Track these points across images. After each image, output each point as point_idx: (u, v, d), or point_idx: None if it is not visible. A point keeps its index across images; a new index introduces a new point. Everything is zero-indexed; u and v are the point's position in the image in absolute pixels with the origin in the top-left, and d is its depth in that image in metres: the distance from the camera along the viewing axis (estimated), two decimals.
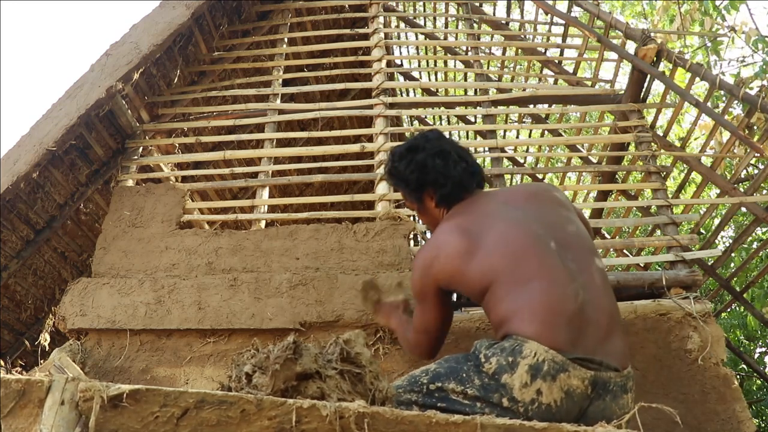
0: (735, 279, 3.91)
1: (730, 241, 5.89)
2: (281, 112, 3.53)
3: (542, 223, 1.57)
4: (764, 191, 3.41)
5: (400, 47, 5.26)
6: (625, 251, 4.00)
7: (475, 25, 4.07)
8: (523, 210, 1.62)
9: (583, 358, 1.34)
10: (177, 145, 3.52)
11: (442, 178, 1.76)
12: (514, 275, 1.46)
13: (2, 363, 3.43)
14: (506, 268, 1.47)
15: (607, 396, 1.36)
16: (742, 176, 3.80)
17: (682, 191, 4.36)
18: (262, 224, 3.10)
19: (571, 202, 1.82)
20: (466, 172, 1.77)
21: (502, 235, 1.54)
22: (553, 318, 1.36)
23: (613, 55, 3.43)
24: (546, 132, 4.46)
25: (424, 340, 1.78)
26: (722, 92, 3.06)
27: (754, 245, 5.25)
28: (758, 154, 2.94)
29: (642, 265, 3.71)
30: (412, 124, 6.19)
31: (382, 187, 3.05)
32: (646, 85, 3.24)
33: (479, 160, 2.15)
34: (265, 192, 3.23)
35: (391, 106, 3.40)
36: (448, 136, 1.92)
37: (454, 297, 2.48)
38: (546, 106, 3.73)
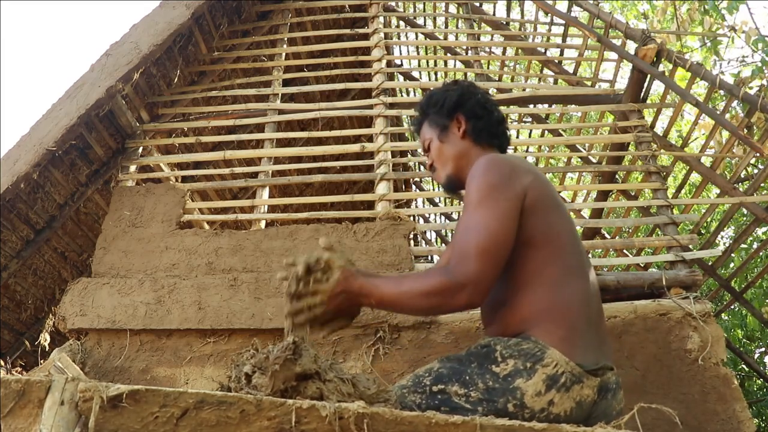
0: (735, 279, 3.91)
1: (730, 241, 5.89)
2: (281, 112, 3.53)
3: None
4: (764, 191, 3.40)
5: (400, 47, 5.26)
6: (625, 251, 3.99)
7: (475, 25, 4.07)
8: None
9: (595, 368, 1.33)
10: (177, 145, 3.52)
11: (481, 110, 1.65)
12: (569, 258, 1.40)
13: (2, 363, 3.44)
14: (568, 246, 1.41)
15: (608, 395, 1.36)
16: (742, 176, 3.81)
17: (682, 191, 4.36)
18: (262, 224, 3.10)
19: None
20: (502, 123, 1.67)
21: (567, 212, 1.49)
22: (578, 326, 1.34)
23: (613, 55, 3.43)
24: (546, 132, 4.46)
25: (480, 270, 1.26)
26: (722, 92, 3.05)
27: (755, 245, 5.25)
28: (758, 154, 2.94)
29: (642, 265, 3.71)
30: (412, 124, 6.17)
31: (382, 187, 3.05)
32: (646, 85, 3.24)
33: None
34: (265, 192, 3.23)
35: (391, 106, 3.40)
36: None
37: None
38: (546, 106, 3.73)
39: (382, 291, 1.34)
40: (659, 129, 3.73)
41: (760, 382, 5.85)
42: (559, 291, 1.36)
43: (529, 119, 4.92)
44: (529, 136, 5.81)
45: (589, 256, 3.49)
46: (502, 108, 3.36)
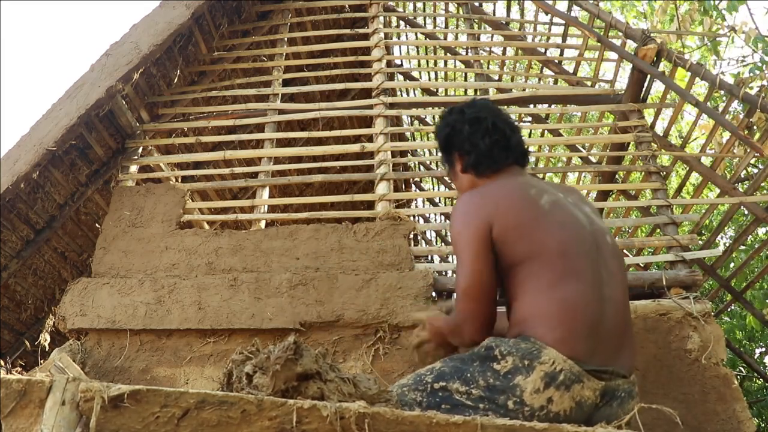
0: (735, 279, 3.91)
1: (730, 241, 5.89)
2: (281, 112, 3.53)
3: (589, 224, 1.54)
4: (764, 191, 3.40)
5: (400, 47, 5.26)
6: (625, 251, 3.99)
7: (475, 25, 4.07)
8: (575, 205, 1.59)
9: (598, 370, 1.32)
10: (177, 145, 3.52)
11: (468, 145, 1.69)
12: (563, 264, 1.41)
13: (2, 363, 3.44)
14: (559, 254, 1.42)
15: (614, 402, 1.35)
16: (742, 176, 3.81)
17: (682, 191, 4.36)
18: (262, 224, 3.10)
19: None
20: (497, 145, 1.67)
21: (562, 220, 1.50)
22: (577, 327, 1.34)
23: (613, 55, 3.43)
24: (546, 132, 4.46)
25: (467, 309, 1.47)
26: (722, 92, 3.06)
27: (755, 245, 5.24)
28: (758, 154, 2.94)
29: (642, 265, 3.71)
30: (412, 124, 6.19)
31: (382, 187, 3.05)
32: (646, 85, 3.24)
33: None
34: (265, 192, 3.23)
35: (391, 106, 3.40)
36: (497, 107, 1.80)
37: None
38: (546, 106, 3.73)
39: (441, 329, 1.66)
40: (659, 129, 3.73)
41: (760, 382, 5.86)
42: (552, 295, 1.37)
43: (529, 119, 4.91)
44: (529, 136, 5.81)
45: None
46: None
